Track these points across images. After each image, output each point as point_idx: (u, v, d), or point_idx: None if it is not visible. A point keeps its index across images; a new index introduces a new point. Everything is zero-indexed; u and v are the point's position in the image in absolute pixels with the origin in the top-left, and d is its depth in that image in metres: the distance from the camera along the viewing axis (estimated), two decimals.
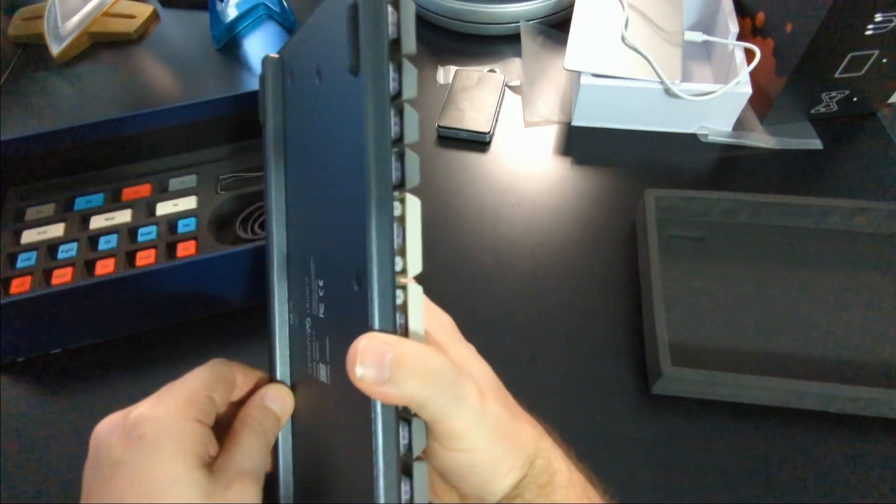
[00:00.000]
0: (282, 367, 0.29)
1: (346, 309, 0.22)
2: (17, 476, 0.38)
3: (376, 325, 0.20)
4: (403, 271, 0.21)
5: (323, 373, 0.24)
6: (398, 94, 0.20)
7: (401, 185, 0.20)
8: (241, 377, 0.27)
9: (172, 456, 0.22)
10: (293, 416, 0.28)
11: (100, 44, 0.68)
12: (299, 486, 0.27)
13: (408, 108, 0.20)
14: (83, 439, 0.25)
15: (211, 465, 0.23)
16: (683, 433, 0.38)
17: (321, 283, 0.25)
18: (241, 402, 0.27)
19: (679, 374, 0.36)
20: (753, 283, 0.44)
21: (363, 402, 0.20)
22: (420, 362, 0.20)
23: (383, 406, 0.20)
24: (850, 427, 0.37)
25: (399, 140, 0.20)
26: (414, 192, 0.21)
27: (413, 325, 0.21)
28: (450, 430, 0.21)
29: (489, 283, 0.46)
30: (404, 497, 0.20)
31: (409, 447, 0.20)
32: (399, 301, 0.20)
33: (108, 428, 0.23)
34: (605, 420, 0.39)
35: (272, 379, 0.29)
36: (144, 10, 0.70)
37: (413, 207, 0.21)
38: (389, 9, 0.19)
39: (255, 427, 0.25)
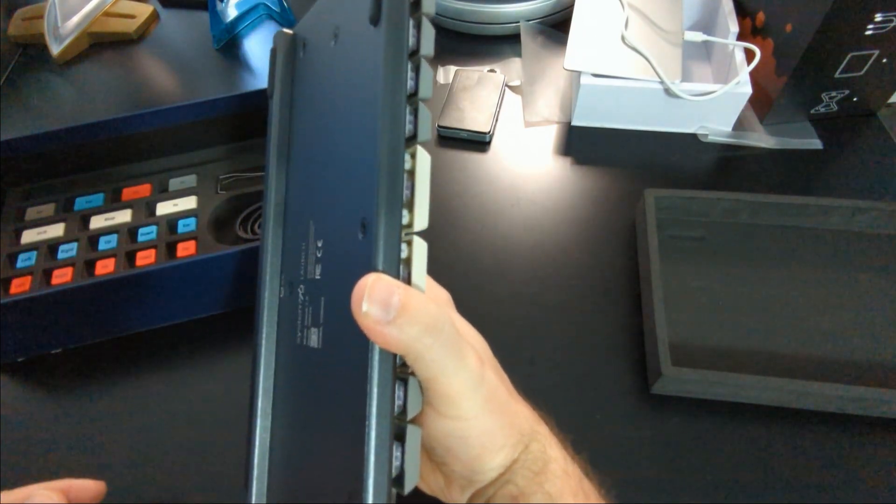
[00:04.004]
0: (267, 344, 0.28)
1: (347, 261, 0.22)
2: (17, 476, 0.38)
3: (381, 267, 0.19)
4: (410, 225, 0.20)
5: (314, 338, 0.24)
6: (415, 52, 0.20)
7: (412, 139, 0.20)
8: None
9: None
10: (274, 393, 0.27)
11: (100, 44, 0.68)
12: (279, 461, 0.26)
13: (424, 65, 0.20)
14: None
15: None
16: (683, 433, 0.38)
17: (320, 244, 0.24)
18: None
19: (679, 374, 0.36)
20: (753, 283, 0.44)
21: (358, 358, 0.19)
22: (424, 310, 0.19)
23: (381, 356, 0.19)
24: (850, 427, 0.37)
25: (413, 95, 0.20)
26: (425, 147, 0.21)
27: (416, 279, 0.20)
28: (445, 391, 0.20)
29: (489, 283, 0.46)
30: (395, 462, 0.19)
31: (404, 409, 0.20)
32: (404, 255, 0.20)
33: None
34: (605, 420, 0.39)
35: (253, 395, 0.28)
36: (144, 10, 0.70)
37: (423, 161, 0.20)
38: None
39: None
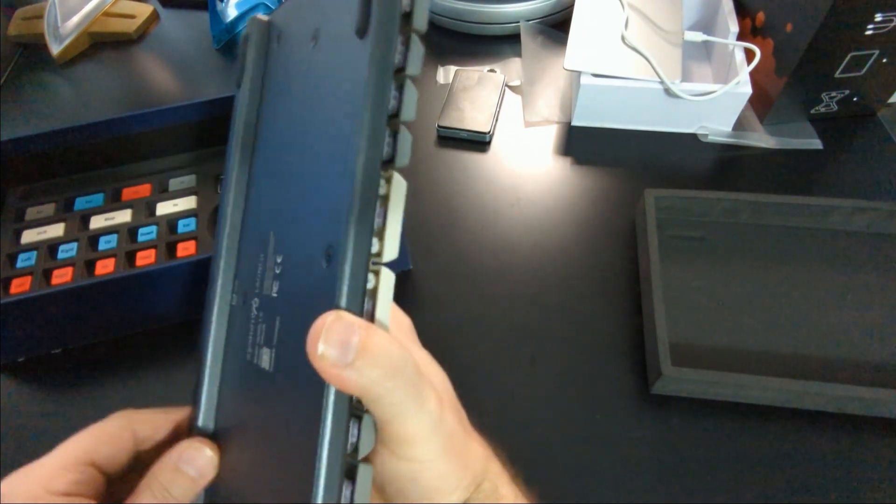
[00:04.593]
0: (213, 353, 0.27)
1: (307, 288, 0.20)
2: None
3: (343, 304, 0.18)
4: (379, 254, 0.19)
5: (266, 358, 0.23)
6: (401, 69, 0.19)
7: (390, 162, 0.19)
8: (152, 424, 0.25)
9: None
10: (217, 408, 0.26)
11: (100, 44, 0.68)
12: (222, 485, 0.24)
13: (409, 84, 0.19)
14: None
15: None
16: (683, 433, 0.38)
17: (279, 260, 0.23)
18: (164, 445, 0.24)
19: (679, 374, 0.36)
20: (753, 283, 0.44)
21: (311, 390, 0.18)
22: (385, 352, 0.18)
23: (337, 395, 0.18)
24: (850, 427, 0.37)
25: (395, 115, 0.19)
26: (402, 173, 0.19)
27: (380, 313, 0.19)
28: (402, 433, 0.19)
29: (489, 283, 0.46)
30: (344, 501, 0.18)
31: (356, 447, 0.19)
32: (370, 285, 0.19)
33: None
34: (605, 420, 0.39)
35: (195, 403, 0.26)
36: (144, 10, 0.70)
37: (399, 187, 0.19)
38: None
39: (159, 494, 0.22)
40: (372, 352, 0.18)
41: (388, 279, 0.19)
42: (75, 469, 0.22)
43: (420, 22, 0.19)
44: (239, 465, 0.24)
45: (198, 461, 0.24)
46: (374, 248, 0.19)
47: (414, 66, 0.19)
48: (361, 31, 0.19)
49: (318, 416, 0.18)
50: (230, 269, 0.28)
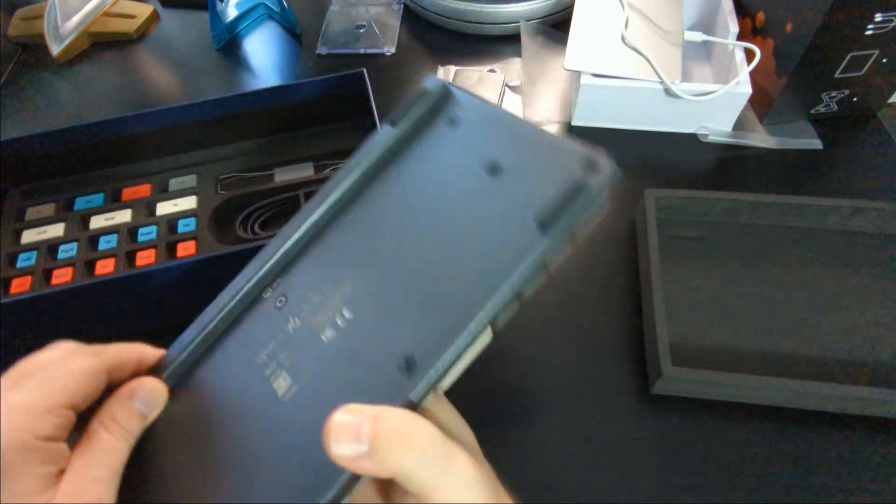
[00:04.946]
0: (218, 321, 0.26)
1: (368, 371, 0.22)
2: None
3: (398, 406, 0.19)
4: (437, 380, 0.21)
5: (283, 384, 0.23)
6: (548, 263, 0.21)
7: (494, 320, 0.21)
8: (124, 369, 0.25)
9: (16, 483, 0.19)
10: (185, 374, 0.26)
11: (100, 44, 0.68)
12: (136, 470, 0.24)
13: (544, 275, 0.21)
14: None
15: (60, 475, 0.21)
16: (683, 433, 0.38)
17: (345, 314, 0.23)
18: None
19: (679, 374, 0.36)
20: (753, 283, 0.44)
21: (319, 457, 0.19)
22: (402, 432, 0.18)
23: (351, 475, 0.19)
24: (850, 427, 0.37)
25: (521, 294, 0.21)
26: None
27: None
28: (439, 499, 0.19)
29: None
30: None
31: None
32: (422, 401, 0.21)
33: None
34: (605, 420, 0.39)
35: (159, 364, 0.26)
36: (144, 10, 0.70)
37: (485, 339, 0.21)
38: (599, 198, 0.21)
39: (116, 430, 0.23)
40: (385, 437, 0.18)
41: (429, 399, 0.21)
42: (59, 412, 0.21)
43: (582, 234, 0.21)
44: (170, 453, 0.24)
45: (149, 400, 0.24)
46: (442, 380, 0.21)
47: (554, 263, 0.21)
48: (544, 224, 0.20)
49: (324, 484, 0.19)
50: (282, 264, 0.27)
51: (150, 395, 0.25)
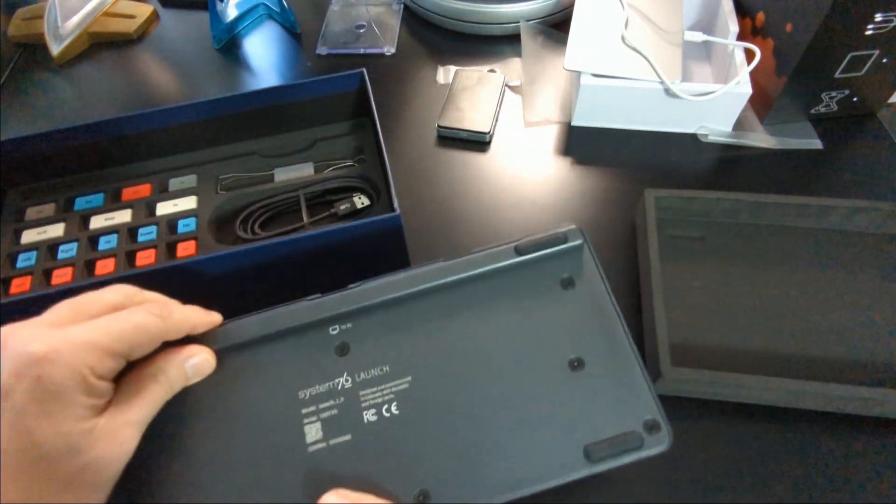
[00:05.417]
0: (281, 328, 0.28)
1: (382, 468, 0.24)
2: None
3: None
4: None
5: (313, 434, 0.25)
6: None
7: None
8: (180, 327, 0.27)
9: (65, 409, 0.21)
10: (229, 354, 0.28)
11: (100, 44, 0.68)
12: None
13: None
14: None
15: (103, 410, 0.23)
16: (683, 433, 0.38)
17: (395, 409, 0.26)
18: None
19: (679, 374, 0.36)
20: (753, 283, 0.44)
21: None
22: None
23: None
24: (850, 427, 0.37)
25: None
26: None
27: None
28: None
29: None
30: None
31: None
32: None
33: (14, 365, 0.22)
34: None
35: (212, 334, 0.28)
36: (144, 10, 0.70)
37: None
38: None
39: (164, 385, 0.25)
40: None
41: None
42: (117, 359, 0.24)
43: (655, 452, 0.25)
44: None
45: (201, 369, 0.27)
46: None
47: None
48: (590, 458, 0.24)
49: None
50: (353, 315, 0.29)
51: (202, 364, 0.27)
